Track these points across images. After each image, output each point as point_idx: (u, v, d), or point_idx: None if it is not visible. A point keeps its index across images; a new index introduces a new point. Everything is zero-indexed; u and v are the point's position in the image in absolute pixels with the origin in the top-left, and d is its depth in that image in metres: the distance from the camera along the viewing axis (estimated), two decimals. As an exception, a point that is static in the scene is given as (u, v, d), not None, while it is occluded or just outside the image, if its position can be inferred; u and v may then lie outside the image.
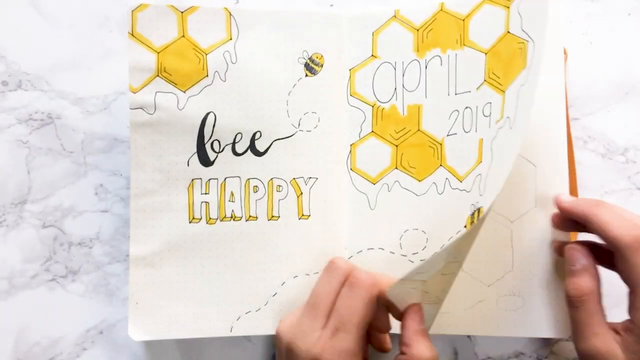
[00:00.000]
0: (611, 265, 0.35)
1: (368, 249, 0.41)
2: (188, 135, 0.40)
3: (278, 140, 0.41)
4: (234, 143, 0.40)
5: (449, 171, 0.40)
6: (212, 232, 0.40)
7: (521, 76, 0.34)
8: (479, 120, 0.38)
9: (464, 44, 0.40)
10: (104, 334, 0.43)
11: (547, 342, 0.43)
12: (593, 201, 0.36)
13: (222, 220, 0.40)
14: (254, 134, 0.40)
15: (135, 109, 0.39)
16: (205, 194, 0.40)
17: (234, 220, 0.40)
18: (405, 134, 0.41)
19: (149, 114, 0.40)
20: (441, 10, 0.40)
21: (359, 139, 0.42)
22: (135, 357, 0.43)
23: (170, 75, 0.40)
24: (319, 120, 0.41)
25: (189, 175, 0.40)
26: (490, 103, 0.38)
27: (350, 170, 0.42)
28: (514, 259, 0.40)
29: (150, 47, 0.40)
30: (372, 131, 0.42)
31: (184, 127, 0.40)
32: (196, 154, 0.40)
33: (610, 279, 0.35)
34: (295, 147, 0.41)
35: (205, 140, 0.40)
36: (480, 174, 0.38)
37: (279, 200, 0.41)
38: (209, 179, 0.40)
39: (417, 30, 0.41)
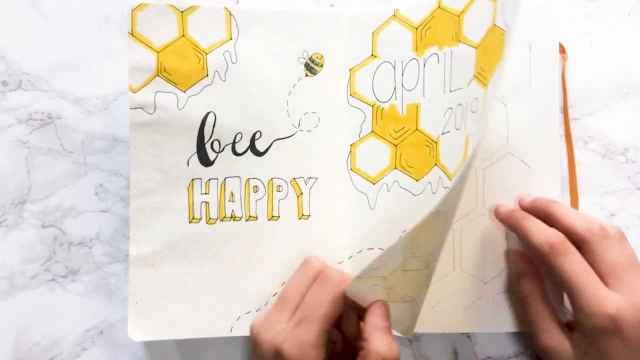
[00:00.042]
0: None
1: (368, 249, 0.41)
2: (188, 135, 0.40)
3: (278, 140, 0.41)
4: (234, 143, 0.40)
5: (442, 170, 0.39)
6: (212, 232, 0.40)
7: (499, 67, 0.32)
8: (468, 117, 0.38)
9: (458, 40, 0.39)
10: (104, 334, 0.43)
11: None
12: (521, 213, 0.38)
13: (222, 220, 0.40)
14: (254, 134, 0.40)
15: (135, 108, 0.39)
16: (205, 194, 0.40)
17: (234, 220, 0.40)
18: (404, 133, 0.41)
19: (148, 113, 0.40)
20: (439, 7, 0.40)
21: (359, 139, 0.42)
22: (135, 357, 0.43)
23: (170, 75, 0.40)
24: (319, 120, 0.41)
25: (189, 175, 0.40)
26: (477, 98, 0.36)
27: (350, 170, 0.42)
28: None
29: (150, 47, 0.40)
30: (372, 131, 0.42)
31: (183, 127, 0.40)
32: (196, 154, 0.40)
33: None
34: (296, 147, 0.41)
35: (205, 140, 0.40)
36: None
37: (279, 200, 0.41)
38: (209, 179, 0.40)
39: (416, 29, 0.41)
